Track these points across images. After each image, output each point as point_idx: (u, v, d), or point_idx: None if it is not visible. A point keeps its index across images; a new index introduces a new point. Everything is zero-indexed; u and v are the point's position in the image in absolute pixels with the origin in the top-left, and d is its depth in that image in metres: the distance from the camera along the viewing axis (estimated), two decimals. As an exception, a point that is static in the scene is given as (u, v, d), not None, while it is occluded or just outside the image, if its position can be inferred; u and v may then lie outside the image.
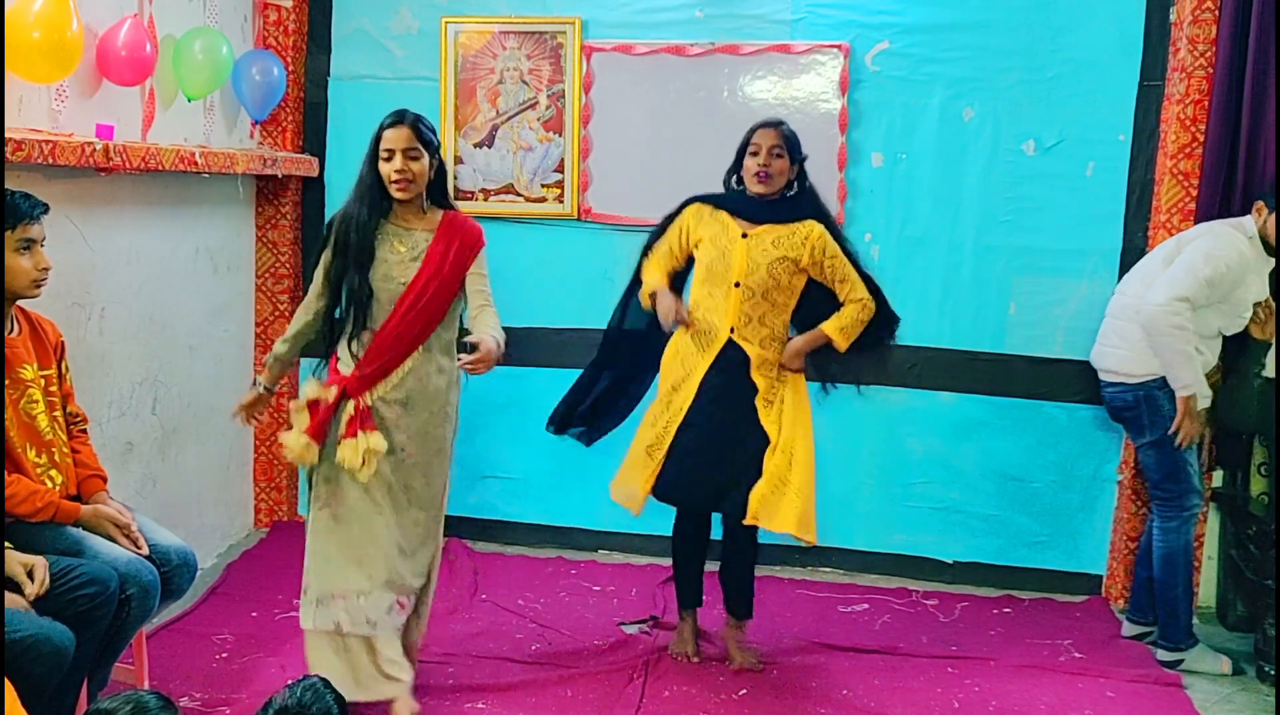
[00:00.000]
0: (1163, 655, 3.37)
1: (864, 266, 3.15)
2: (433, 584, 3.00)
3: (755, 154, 3.06)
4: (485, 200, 4.15)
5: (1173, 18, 3.72)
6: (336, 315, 2.80)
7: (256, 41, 4.11)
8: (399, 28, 4.19)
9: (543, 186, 4.14)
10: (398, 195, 2.75)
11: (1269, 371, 3.37)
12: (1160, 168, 3.73)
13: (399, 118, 2.74)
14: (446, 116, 4.14)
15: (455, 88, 4.14)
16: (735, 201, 3.14)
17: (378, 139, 2.75)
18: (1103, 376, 3.52)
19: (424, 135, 2.74)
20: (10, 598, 2.18)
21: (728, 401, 3.06)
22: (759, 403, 3.05)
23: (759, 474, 3.00)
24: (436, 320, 2.79)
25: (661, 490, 3.13)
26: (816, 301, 3.13)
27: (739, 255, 3.05)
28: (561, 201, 4.13)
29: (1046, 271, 3.89)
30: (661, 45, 4.02)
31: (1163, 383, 3.29)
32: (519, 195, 4.16)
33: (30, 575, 2.24)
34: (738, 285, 3.04)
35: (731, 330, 3.06)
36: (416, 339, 2.77)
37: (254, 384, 2.92)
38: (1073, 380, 3.90)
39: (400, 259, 2.77)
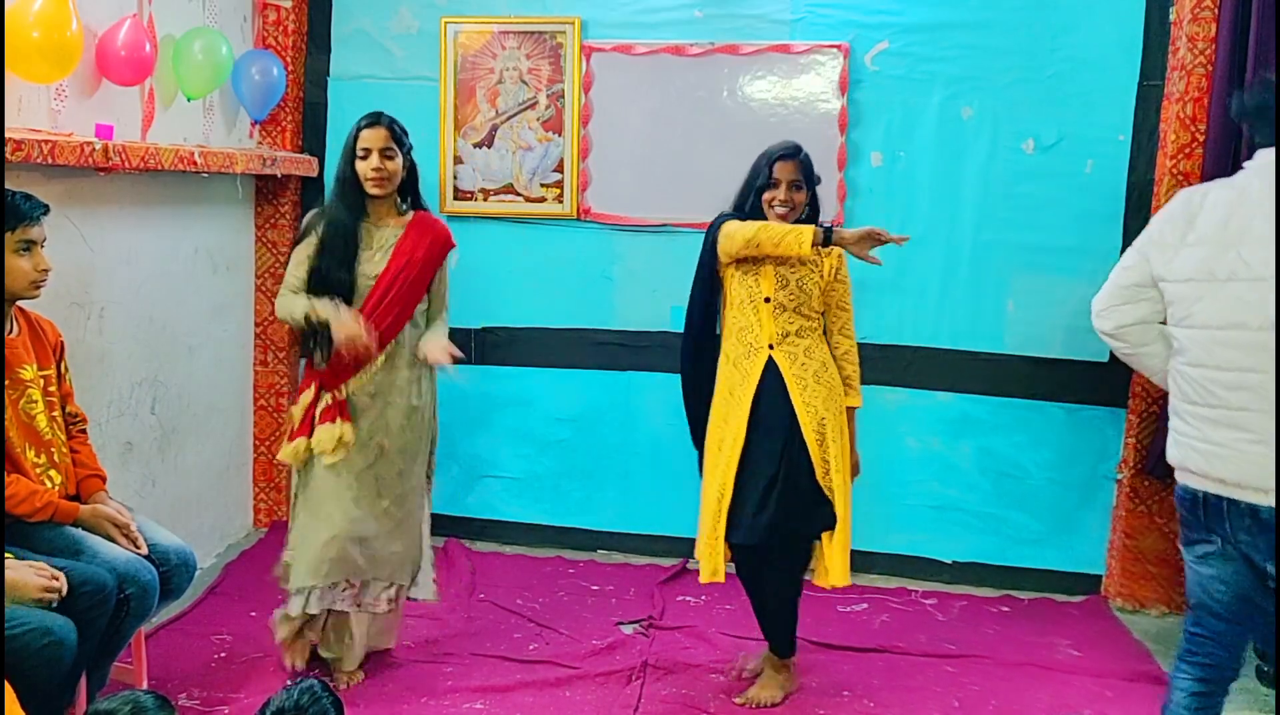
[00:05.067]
0: None
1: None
2: (407, 587, 3.10)
3: (775, 187, 2.97)
4: (485, 200, 4.15)
5: (1172, 17, 3.72)
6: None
7: (256, 41, 4.11)
8: (399, 28, 4.19)
9: (542, 186, 4.15)
10: (373, 190, 2.90)
11: None
12: (1160, 167, 3.73)
13: (375, 119, 2.91)
14: (446, 116, 4.14)
15: (455, 88, 4.14)
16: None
17: (355, 138, 2.90)
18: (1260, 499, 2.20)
19: (398, 136, 2.92)
20: (12, 576, 2.18)
21: (775, 435, 2.96)
22: (808, 436, 2.96)
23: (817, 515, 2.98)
24: (406, 314, 2.94)
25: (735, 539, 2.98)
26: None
27: (767, 272, 2.98)
28: (561, 201, 4.13)
29: (1045, 270, 3.89)
30: (661, 45, 4.02)
31: None
32: (518, 195, 4.16)
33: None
34: (768, 300, 2.97)
35: (770, 347, 2.98)
36: (388, 331, 2.91)
37: (339, 312, 2.83)
38: (1071, 379, 3.90)
39: (370, 255, 2.92)
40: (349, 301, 2.86)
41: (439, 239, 3.00)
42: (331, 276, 2.88)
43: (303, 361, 3.00)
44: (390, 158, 2.89)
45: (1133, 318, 2.40)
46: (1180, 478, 2.30)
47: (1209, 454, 2.21)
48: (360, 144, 2.88)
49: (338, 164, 2.94)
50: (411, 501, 3.04)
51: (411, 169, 2.99)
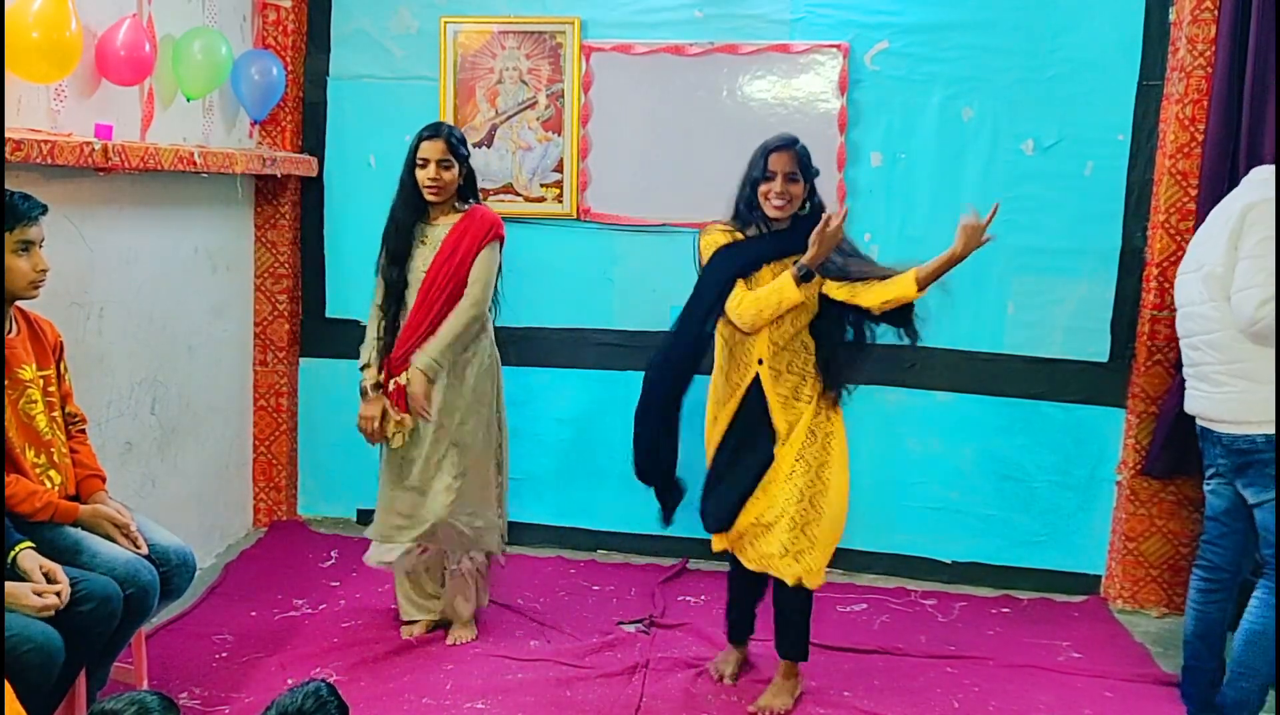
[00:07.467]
0: None
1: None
2: (475, 537, 3.30)
3: (771, 179, 2.91)
4: (484, 200, 4.12)
5: (1172, 17, 3.72)
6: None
7: (256, 41, 4.11)
8: (398, 28, 4.19)
9: (542, 186, 4.15)
10: (430, 198, 3.16)
11: None
12: (1159, 167, 3.73)
13: (435, 131, 3.15)
14: (446, 116, 4.13)
15: (454, 87, 4.14)
16: (760, 250, 2.96)
17: (416, 148, 3.15)
18: (1221, 427, 2.89)
19: (456, 148, 3.16)
20: (12, 590, 2.18)
21: (749, 445, 2.99)
22: (777, 451, 2.95)
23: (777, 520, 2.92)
24: (452, 304, 3.15)
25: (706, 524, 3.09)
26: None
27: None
28: (561, 201, 4.13)
29: (1045, 271, 3.89)
30: (661, 45, 4.02)
31: None
32: (518, 195, 4.16)
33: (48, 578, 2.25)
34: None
35: (760, 362, 2.95)
36: (436, 321, 3.14)
37: (366, 394, 3.22)
38: (1071, 380, 3.91)
39: (424, 252, 3.18)
40: (404, 298, 3.17)
41: (477, 230, 3.17)
42: (387, 275, 3.19)
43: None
44: (447, 168, 3.14)
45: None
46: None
47: (1193, 397, 2.99)
48: (420, 154, 3.14)
49: (402, 168, 3.19)
50: (467, 452, 3.21)
51: (469, 174, 3.23)
